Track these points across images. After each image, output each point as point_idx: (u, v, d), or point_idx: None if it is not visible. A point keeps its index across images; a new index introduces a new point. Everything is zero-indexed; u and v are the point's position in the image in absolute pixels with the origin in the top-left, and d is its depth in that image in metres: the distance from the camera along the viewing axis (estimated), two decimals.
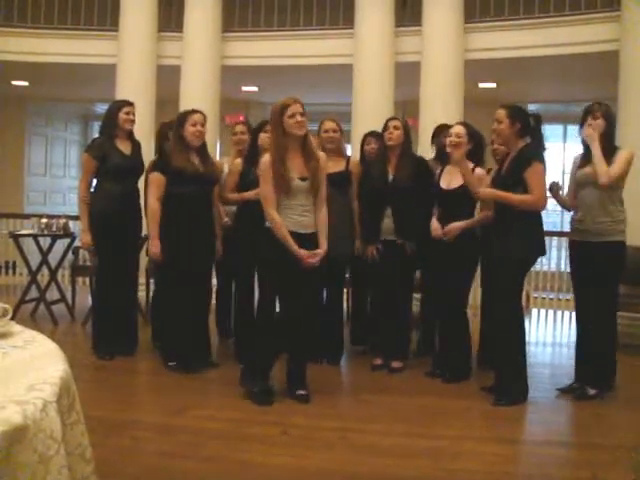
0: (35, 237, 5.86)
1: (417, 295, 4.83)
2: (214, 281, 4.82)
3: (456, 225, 3.98)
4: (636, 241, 5.05)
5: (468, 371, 4.15)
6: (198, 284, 4.18)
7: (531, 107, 8.44)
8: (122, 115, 4.44)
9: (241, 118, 7.63)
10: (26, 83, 9.15)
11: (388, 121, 4.31)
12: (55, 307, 5.83)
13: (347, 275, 4.77)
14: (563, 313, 7.01)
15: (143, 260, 4.97)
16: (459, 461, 2.90)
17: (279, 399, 3.61)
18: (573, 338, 4.06)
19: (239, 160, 4.45)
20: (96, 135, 4.79)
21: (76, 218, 4.84)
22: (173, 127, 4.24)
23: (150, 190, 4.20)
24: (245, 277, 4.47)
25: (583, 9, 6.93)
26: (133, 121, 4.49)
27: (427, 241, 4.10)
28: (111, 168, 4.40)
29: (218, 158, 7.00)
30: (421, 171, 4.27)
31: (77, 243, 5.64)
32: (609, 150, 3.72)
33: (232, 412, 3.43)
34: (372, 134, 4.66)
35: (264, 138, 4.20)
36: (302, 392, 3.64)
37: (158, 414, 3.46)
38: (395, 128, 4.22)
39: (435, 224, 4.07)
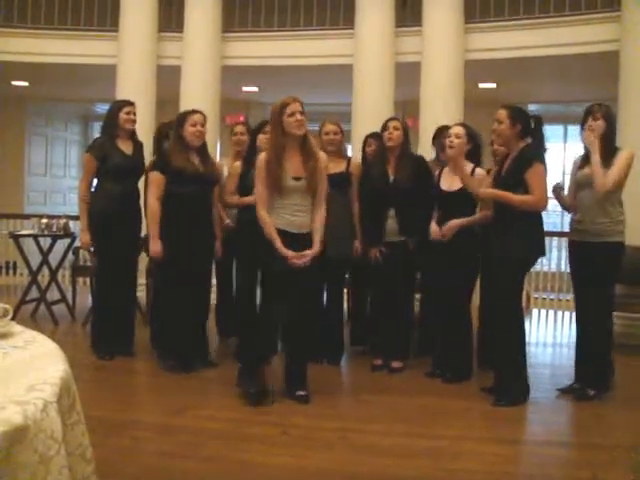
0: (35, 237, 5.86)
1: (417, 295, 4.82)
2: (214, 281, 4.82)
3: (454, 222, 3.98)
4: (635, 241, 5.05)
5: (469, 371, 4.15)
6: (197, 284, 4.18)
7: (531, 107, 8.45)
8: (123, 115, 4.44)
9: (241, 118, 7.64)
10: (26, 83, 9.15)
11: (387, 121, 4.30)
12: (55, 307, 5.83)
13: (347, 275, 4.78)
14: (563, 313, 7.02)
15: (143, 260, 4.98)
16: (459, 461, 2.90)
17: (279, 399, 3.61)
18: (573, 338, 4.06)
19: (238, 163, 4.45)
20: (97, 135, 4.79)
21: (76, 218, 4.85)
22: (173, 127, 4.24)
23: (150, 190, 4.20)
24: (245, 278, 4.47)
25: (583, 9, 6.92)
26: (134, 121, 4.49)
27: (427, 242, 4.11)
28: (111, 168, 4.40)
29: (218, 158, 6.99)
30: (421, 172, 4.27)
31: (77, 243, 5.64)
32: (610, 151, 3.72)
33: (232, 412, 3.43)
34: (373, 136, 4.66)
35: (262, 139, 4.20)
36: (302, 393, 3.64)
37: (158, 414, 3.46)
38: (395, 128, 4.22)
39: (434, 226, 4.07)
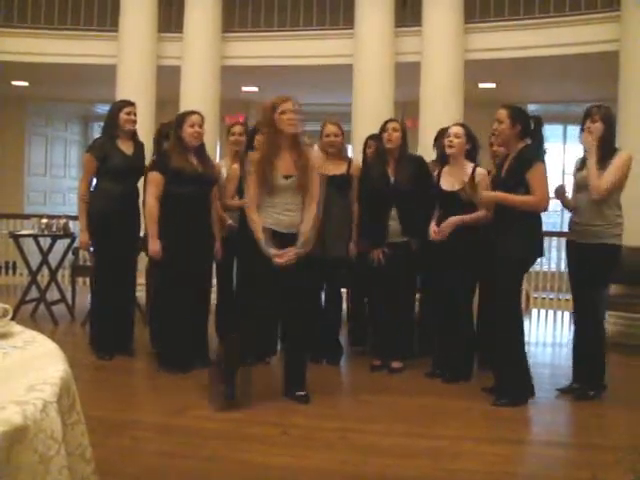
0: (35, 237, 5.86)
1: (416, 295, 4.82)
2: (214, 281, 4.82)
3: (453, 219, 3.98)
4: (634, 242, 5.05)
5: (469, 371, 4.15)
6: (196, 284, 4.18)
7: (531, 107, 8.45)
8: (123, 115, 4.44)
9: (241, 119, 7.63)
10: (26, 83, 9.16)
11: (386, 123, 4.29)
12: (55, 307, 5.83)
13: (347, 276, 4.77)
14: (563, 313, 7.01)
15: (143, 260, 4.98)
16: (459, 461, 2.90)
17: (279, 399, 3.61)
18: (572, 338, 4.06)
19: (236, 166, 4.45)
20: (97, 135, 4.79)
21: (76, 218, 4.85)
22: (172, 128, 4.24)
23: (148, 190, 4.20)
24: (245, 279, 4.47)
25: (583, 9, 6.94)
26: (134, 122, 4.49)
27: (427, 242, 4.11)
28: (111, 168, 4.40)
29: (218, 158, 7.00)
30: (421, 173, 4.27)
31: (77, 243, 5.64)
32: (608, 153, 3.71)
33: (232, 412, 3.42)
34: (373, 137, 4.64)
35: (260, 140, 4.20)
36: (302, 393, 3.63)
37: (158, 414, 3.46)
38: (394, 130, 4.21)
39: (434, 227, 4.07)
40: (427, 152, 5.11)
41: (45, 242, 5.86)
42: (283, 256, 3.49)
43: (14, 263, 7.95)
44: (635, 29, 6.08)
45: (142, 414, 3.54)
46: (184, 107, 6.63)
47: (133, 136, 4.54)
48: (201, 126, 4.17)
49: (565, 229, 4.50)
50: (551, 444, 3.18)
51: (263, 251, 3.49)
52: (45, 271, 6.10)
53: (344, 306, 4.92)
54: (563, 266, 7.13)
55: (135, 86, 7.17)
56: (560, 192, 3.97)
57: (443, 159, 4.28)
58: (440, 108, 6.72)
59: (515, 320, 3.73)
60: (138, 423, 3.31)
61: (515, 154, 3.68)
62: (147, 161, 4.59)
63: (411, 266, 4.26)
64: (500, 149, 4.03)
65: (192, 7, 7.46)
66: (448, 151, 4.05)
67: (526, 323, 4.02)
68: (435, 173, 4.22)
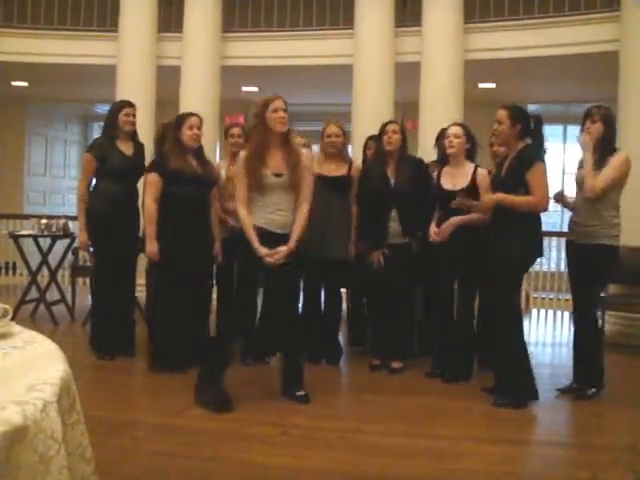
0: (35, 238, 5.86)
1: None
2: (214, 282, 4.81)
3: (453, 219, 3.98)
4: (634, 242, 5.05)
5: (469, 371, 4.15)
6: (195, 285, 4.18)
7: (531, 107, 8.43)
8: (121, 117, 4.44)
9: (241, 119, 7.63)
10: (26, 83, 9.16)
11: (386, 125, 4.28)
12: (55, 307, 5.83)
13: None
14: (563, 313, 7.01)
15: (143, 261, 4.98)
16: (459, 461, 2.90)
17: (279, 399, 3.61)
18: (571, 338, 4.06)
19: (234, 167, 4.44)
20: (96, 135, 4.79)
21: (76, 219, 4.85)
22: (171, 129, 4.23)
23: (147, 190, 4.19)
24: (245, 280, 4.46)
25: (583, 9, 6.93)
26: (133, 123, 4.48)
27: (427, 243, 4.11)
28: (110, 169, 4.40)
29: (218, 159, 7.00)
30: (421, 174, 4.27)
31: (77, 244, 5.64)
32: (607, 153, 3.71)
33: (232, 412, 3.42)
34: (374, 138, 4.64)
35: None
36: (301, 393, 3.63)
37: (158, 414, 3.46)
38: (394, 132, 4.20)
39: (433, 228, 4.07)
40: (427, 152, 5.11)
41: (45, 242, 5.86)
42: (274, 255, 3.49)
43: (14, 263, 7.95)
44: (635, 29, 6.07)
45: (142, 414, 3.54)
46: (184, 107, 6.64)
47: (133, 136, 4.54)
48: (200, 128, 4.17)
49: (565, 229, 4.50)
50: (551, 444, 3.19)
51: (257, 252, 3.49)
52: (45, 271, 6.10)
53: (344, 306, 4.92)
54: (563, 266, 7.13)
55: (135, 86, 7.17)
56: (559, 198, 3.97)
57: (444, 160, 4.27)
58: (440, 108, 6.72)
59: (515, 320, 3.73)
60: (138, 423, 3.31)
61: (515, 154, 3.68)
62: (147, 161, 4.59)
63: (411, 267, 4.26)
64: (500, 149, 4.03)
65: (192, 7, 7.46)
66: (449, 151, 4.06)
67: (526, 323, 4.02)
68: (435, 173, 4.22)
